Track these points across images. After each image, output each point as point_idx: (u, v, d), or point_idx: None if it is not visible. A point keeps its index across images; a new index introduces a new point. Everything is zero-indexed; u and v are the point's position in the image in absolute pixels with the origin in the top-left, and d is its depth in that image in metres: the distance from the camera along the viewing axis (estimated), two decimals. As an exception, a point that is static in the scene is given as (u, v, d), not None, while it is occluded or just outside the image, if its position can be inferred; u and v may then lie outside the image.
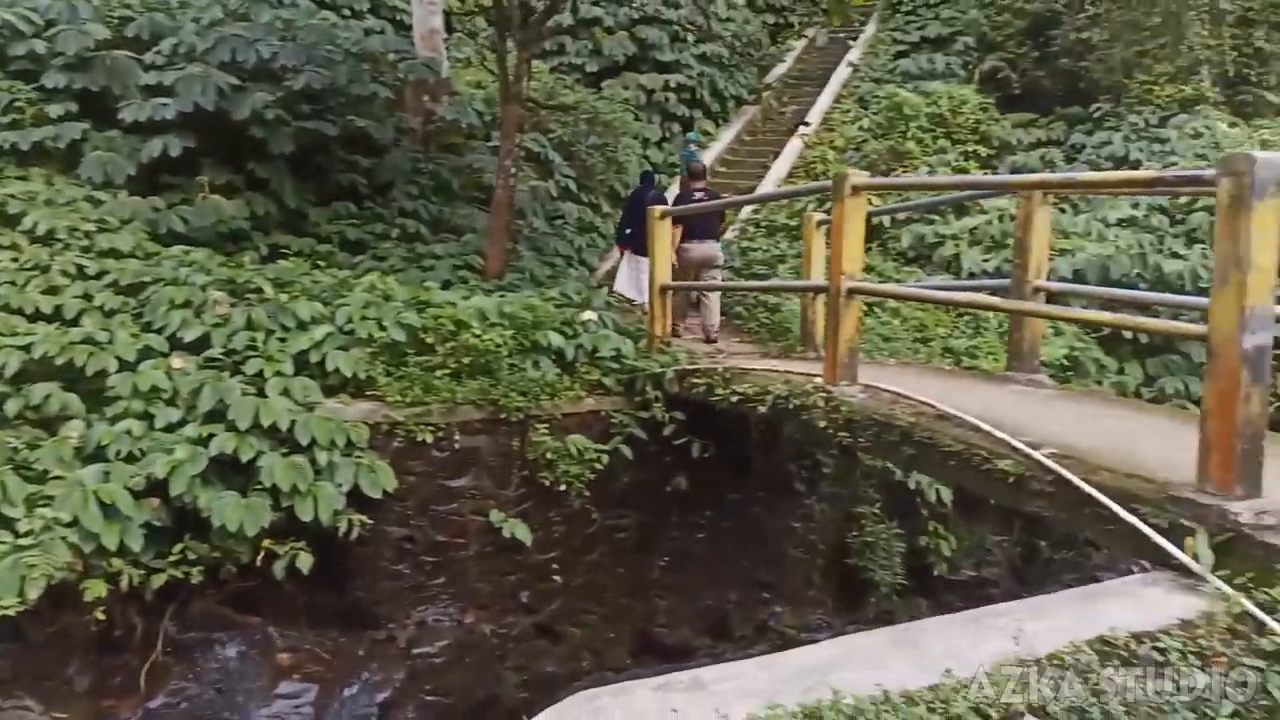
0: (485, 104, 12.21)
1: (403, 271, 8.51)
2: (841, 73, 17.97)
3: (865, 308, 8.57)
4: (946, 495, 7.53)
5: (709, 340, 8.49)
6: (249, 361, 5.96)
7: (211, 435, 5.35)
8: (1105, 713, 2.35)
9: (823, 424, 4.85)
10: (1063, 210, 10.90)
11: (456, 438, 6.19)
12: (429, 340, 6.41)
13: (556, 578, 6.61)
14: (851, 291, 4.88)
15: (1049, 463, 3.57)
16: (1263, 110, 15.08)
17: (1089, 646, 2.53)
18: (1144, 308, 6.37)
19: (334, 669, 5.54)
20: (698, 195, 8.73)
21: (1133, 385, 8.75)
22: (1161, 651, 2.60)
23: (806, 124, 16.13)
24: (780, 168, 15.10)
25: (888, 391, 4.78)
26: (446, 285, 8.07)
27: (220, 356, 6.03)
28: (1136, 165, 12.70)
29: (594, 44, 16.11)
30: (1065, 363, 8.10)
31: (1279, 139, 13.14)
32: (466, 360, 6.24)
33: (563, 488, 6.31)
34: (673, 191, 12.59)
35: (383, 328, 6.39)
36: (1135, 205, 10.82)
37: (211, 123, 8.86)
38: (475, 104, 11.97)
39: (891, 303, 8.60)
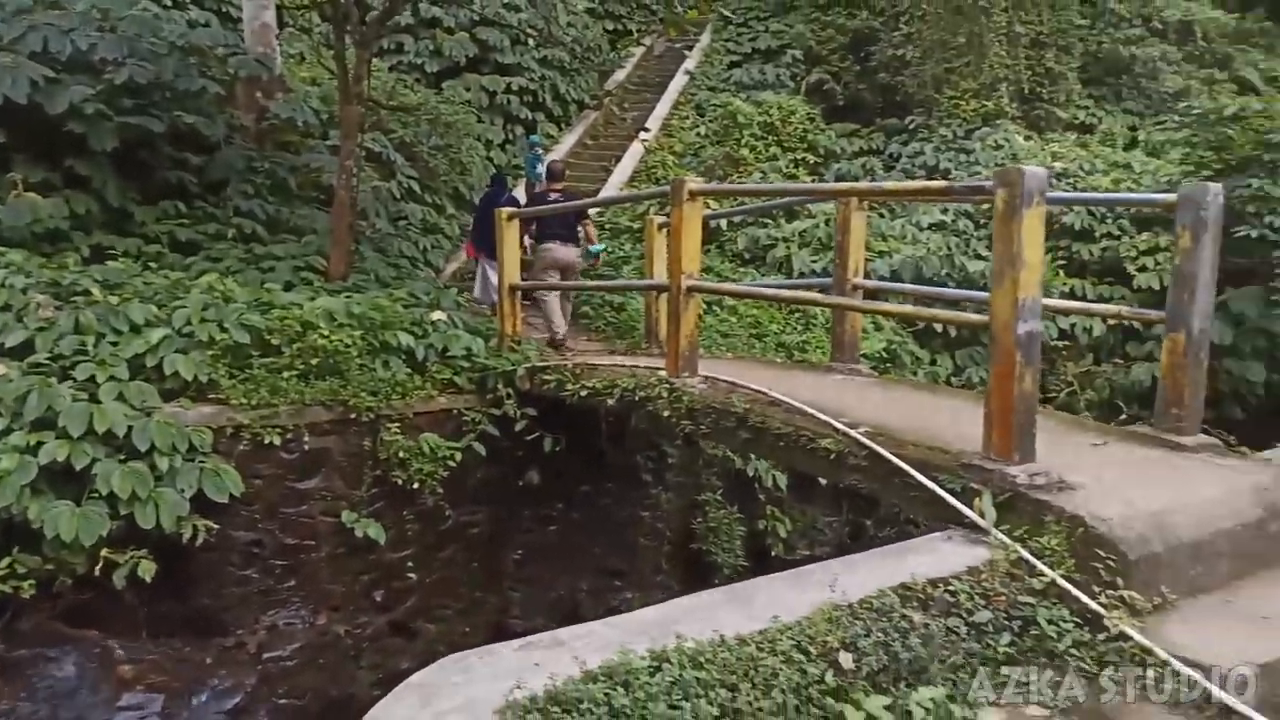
0: (322, 102, 11.98)
1: (240, 273, 8.28)
2: (679, 81, 18.59)
3: (705, 306, 9.05)
4: (782, 481, 8.09)
5: (554, 344, 8.27)
6: (79, 366, 5.72)
7: (40, 443, 5.13)
8: (906, 645, 2.76)
9: (666, 413, 5.19)
10: (881, 215, 11.80)
11: (306, 439, 6.15)
12: (274, 342, 6.34)
13: (411, 575, 6.68)
14: (690, 289, 5.25)
15: (863, 440, 4.02)
16: (1053, 124, 16.72)
17: (893, 592, 2.94)
18: (951, 303, 7.08)
19: (180, 678, 5.42)
20: (553, 197, 8.76)
21: (944, 375, 9.63)
22: (952, 594, 3.05)
23: (647, 129, 16.61)
24: (622, 171, 15.50)
25: (724, 382, 5.17)
26: (288, 287, 7.94)
27: (47, 361, 5.76)
28: (946, 174, 13.86)
29: (434, 44, 16.03)
30: (884, 355, 8.84)
31: (1067, 151, 14.67)
32: (314, 361, 6.22)
33: (416, 486, 6.39)
34: (518, 194, 12.74)
35: (224, 329, 6.26)
36: (944, 211, 11.85)
37: (23, 117, 8.34)
38: (311, 102, 11.71)
39: (729, 301, 9.11)
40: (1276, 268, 10.65)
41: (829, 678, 2.56)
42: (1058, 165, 13.28)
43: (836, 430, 4.17)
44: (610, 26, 20.51)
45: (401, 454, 6.36)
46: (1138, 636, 2.92)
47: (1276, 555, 3.53)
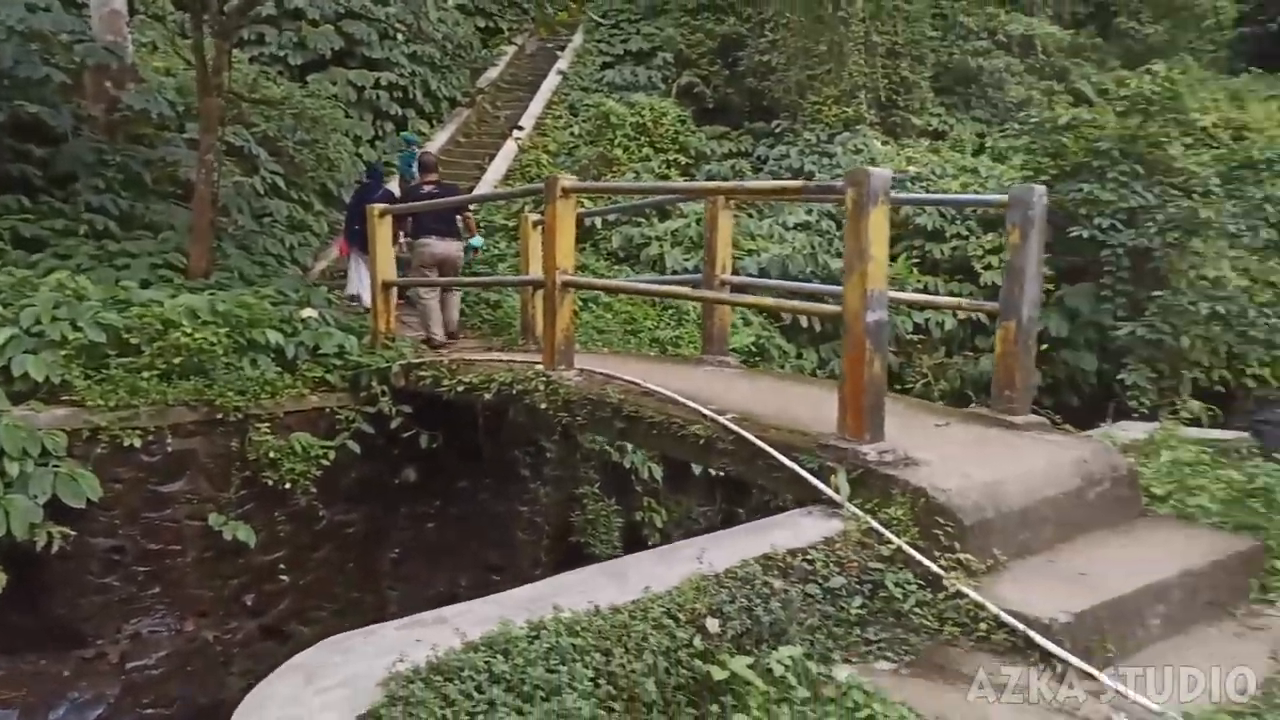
0: (178, 93, 11.50)
1: (92, 271, 7.92)
2: (552, 80, 18.68)
3: (582, 303, 9.21)
4: (658, 472, 8.32)
5: (431, 346, 8.00)
6: (-84, 369, 5.40)
7: (-124, 450, 4.83)
8: (767, 610, 2.98)
9: (544, 405, 5.31)
10: (750, 216, 12.23)
11: (169, 440, 5.97)
12: (133, 341, 6.11)
13: (283, 577, 6.56)
14: (566, 285, 5.38)
15: (730, 425, 4.25)
16: (909, 131, 17.66)
17: (756, 562, 3.17)
18: (816, 298, 7.46)
19: (36, 692, 5.18)
20: (427, 189, 8.56)
21: (809, 368, 10.09)
22: (810, 562, 3.30)
23: (520, 128, 16.63)
24: (497, 169, 15.48)
25: (600, 374, 5.33)
26: (146, 285, 7.64)
27: (-124, 364, 5.41)
28: (810, 176, 14.46)
29: (298, 36, 15.59)
30: (753, 349, 9.20)
31: (921, 156, 15.54)
32: (177, 360, 6.03)
33: (288, 486, 6.29)
34: (392, 188, 12.53)
35: (77, 328, 6.00)
36: (809, 211, 12.39)
37: None
38: (166, 93, 11.23)
39: (604, 297, 9.28)
40: (1105, 266, 11.62)
41: (696, 642, 2.75)
42: (912, 169, 14.08)
43: (705, 417, 4.39)
44: (482, 24, 20.41)
45: (272, 454, 6.25)
46: (972, 594, 3.23)
47: (1093, 520, 3.95)
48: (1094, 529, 3.91)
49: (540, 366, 5.58)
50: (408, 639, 2.46)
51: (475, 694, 2.19)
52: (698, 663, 2.71)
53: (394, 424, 6.72)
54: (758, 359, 9.27)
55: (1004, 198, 4.86)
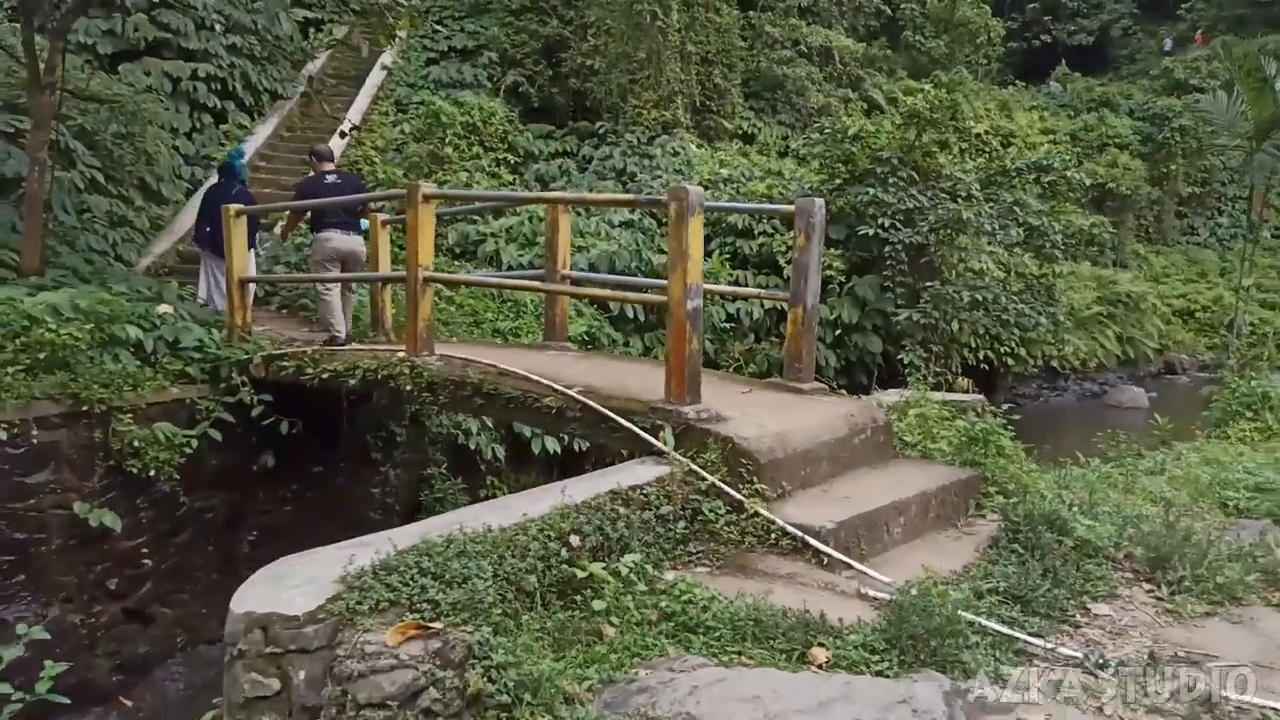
0: (-9, 89, 11.18)
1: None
2: (377, 75, 18.87)
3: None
4: (500, 452, 9.15)
5: (334, 341, 7.72)
6: None
7: None
8: (615, 529, 3.94)
9: (409, 387, 6.04)
10: (579, 215, 13.19)
11: (34, 433, 6.25)
12: (-6, 338, 6.34)
13: (146, 562, 6.94)
14: (427, 280, 6.14)
15: (578, 396, 5.19)
16: (721, 134, 19.19)
17: (605, 496, 4.12)
18: (644, 289, 8.52)
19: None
20: (331, 179, 8.41)
21: (636, 353, 11.18)
22: (645, 495, 4.29)
23: (350, 122, 16.82)
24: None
25: (459, 359, 6.13)
26: (-20, 283, 7.70)
27: None
28: (633, 176, 15.61)
29: (108, 24, 15.17)
30: (586, 338, 10.17)
31: (732, 159, 17.04)
32: (41, 356, 6.31)
33: (151, 474, 6.68)
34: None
35: (-70, 328, 6.18)
36: (632, 212, 13.49)
37: None
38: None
39: (445, 291, 9.96)
40: (888, 260, 13.39)
41: (564, 552, 3.67)
42: (724, 171, 15.50)
43: (556, 391, 5.30)
44: (302, 16, 20.29)
45: (136, 443, 6.62)
46: (766, 514, 4.32)
47: (858, 459, 5.16)
48: (858, 466, 5.12)
49: (403, 354, 6.31)
50: (346, 555, 3.24)
51: (411, 581, 3.02)
52: (565, 566, 3.64)
53: (255, 413, 7.20)
54: (590, 346, 10.25)
55: (792, 207, 6.03)
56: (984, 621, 3.63)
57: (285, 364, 7.08)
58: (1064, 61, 32.04)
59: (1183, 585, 4.33)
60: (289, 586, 2.98)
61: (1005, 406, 7.72)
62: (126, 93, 13.41)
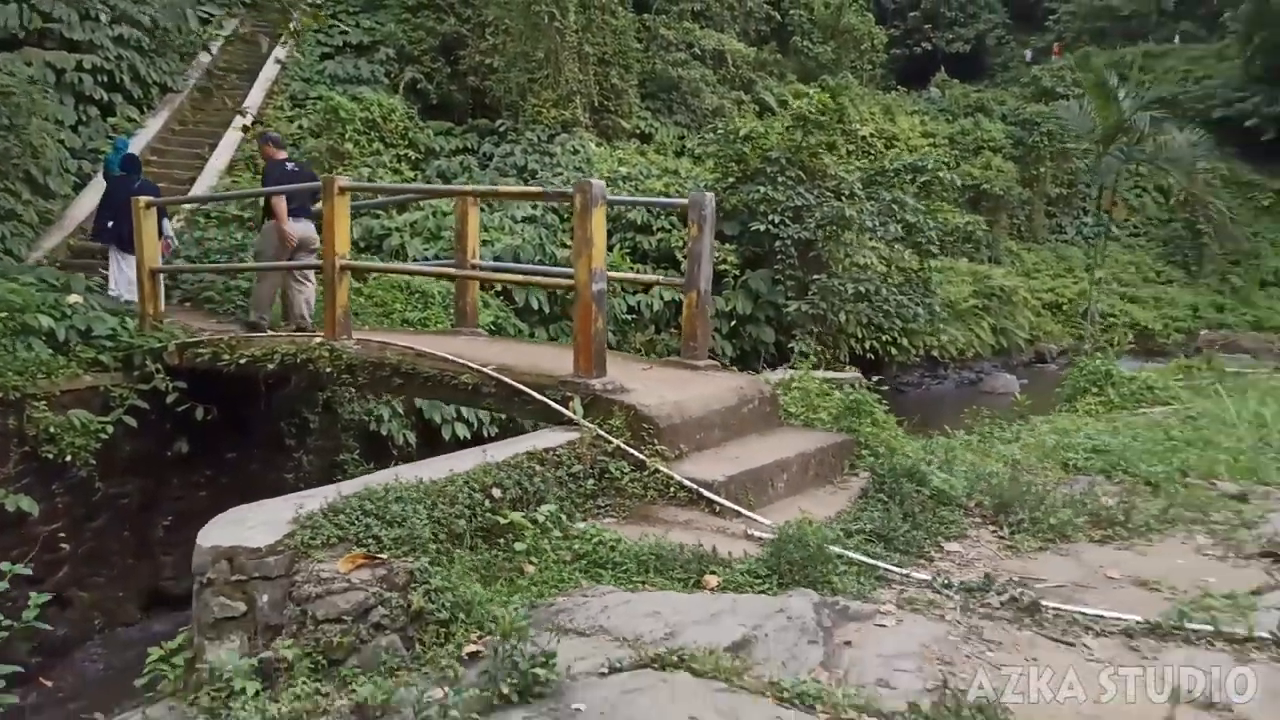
0: None
1: None
2: (271, 69, 18.77)
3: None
4: (412, 438, 9.50)
5: (301, 329, 7.91)
6: None
7: None
8: (532, 484, 4.45)
9: (329, 369, 6.40)
10: (484, 210, 13.56)
11: (-53, 421, 6.36)
12: (-97, 328, 6.41)
13: (63, 546, 7.07)
14: (344, 268, 6.50)
15: (493, 374, 5.67)
16: (619, 133, 19.78)
17: (523, 455, 4.62)
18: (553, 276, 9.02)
19: None
20: (290, 166, 8.54)
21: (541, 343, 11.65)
22: (558, 456, 4.81)
23: (251, 116, 16.73)
24: (219, 160, 15.56)
25: (376, 342, 6.52)
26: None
27: None
28: (534, 173, 16.05)
29: (-16, 11, 14.76)
30: (493, 328, 10.60)
31: (630, 157, 17.66)
32: (-48, 344, 6.42)
33: (67, 459, 6.84)
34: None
35: None
36: (535, 207, 13.95)
37: None
38: None
39: (354, 283, 10.23)
40: (779, 254, 14.22)
41: (487, 502, 4.17)
42: (623, 170, 16.10)
43: (472, 368, 5.77)
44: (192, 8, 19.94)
45: (51, 430, 6.77)
46: (666, 471, 4.90)
47: (747, 426, 5.80)
48: (747, 432, 5.76)
49: (321, 338, 6.65)
50: (294, 503, 3.66)
51: (356, 521, 3.47)
52: (489, 514, 4.13)
53: (170, 400, 7.41)
54: (496, 335, 10.67)
55: (685, 201, 6.64)
56: (850, 554, 4.29)
57: (201, 351, 7.31)
58: (943, 68, 33.85)
59: (1021, 526, 5.08)
60: (248, 527, 3.39)
61: (884, 388, 8.48)
62: (11, 83, 13.14)
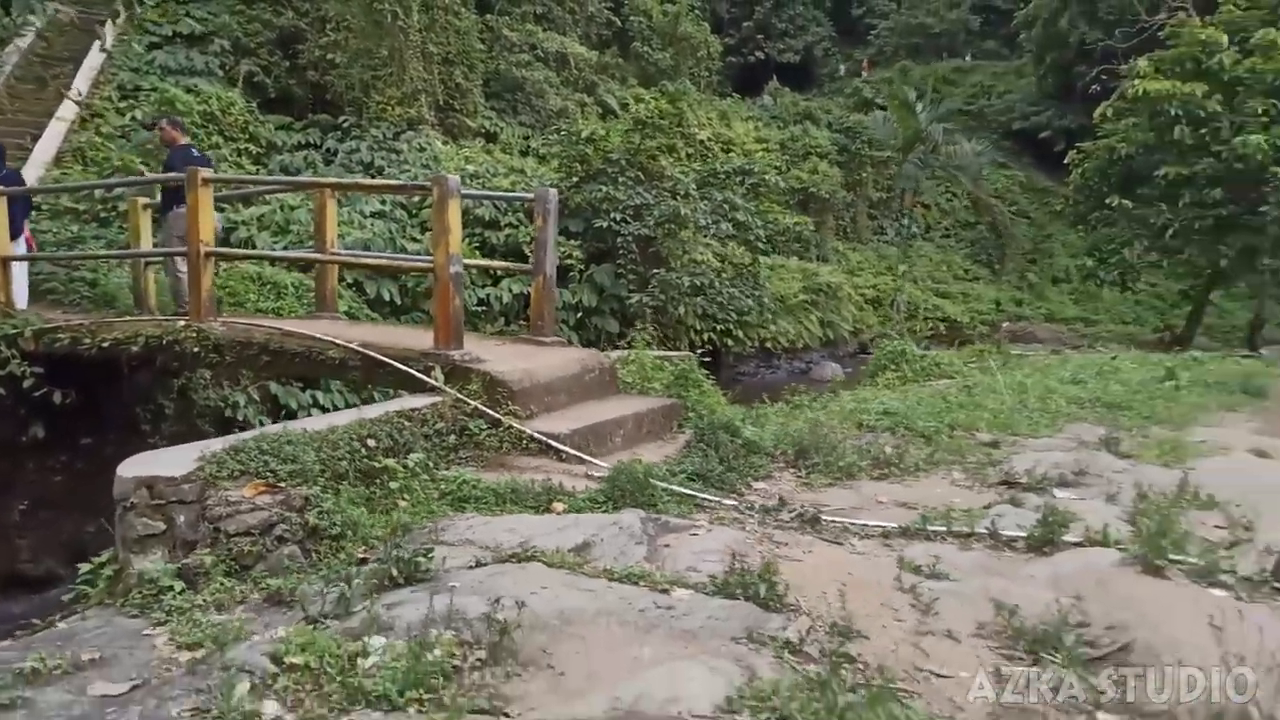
0: None
1: None
2: (96, 58, 18.28)
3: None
4: (268, 424, 9.88)
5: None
6: None
7: None
8: (401, 436, 5.19)
9: (196, 350, 6.86)
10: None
11: None
12: None
13: (-85, 532, 7.20)
14: (208, 254, 6.98)
15: (359, 348, 6.33)
16: (465, 132, 20.33)
17: (393, 413, 5.35)
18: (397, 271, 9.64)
19: None
20: (195, 153, 8.69)
21: (393, 335, 12.20)
22: (423, 415, 5.56)
23: (78, 106, 16.34)
24: (44, 150, 15.18)
25: (241, 324, 7.03)
26: None
27: None
28: (381, 170, 16.44)
29: None
30: (345, 316, 11.07)
31: (477, 156, 18.28)
32: None
33: (-80, 444, 7.00)
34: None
35: None
36: (383, 202, 14.42)
37: None
38: None
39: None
40: (621, 250, 15.23)
41: (364, 450, 4.89)
42: (470, 168, 16.72)
43: (339, 345, 6.41)
44: (6, -10, 19.12)
45: (-98, 415, 6.92)
46: (519, 427, 5.73)
47: (588, 393, 6.69)
48: (589, 397, 6.66)
49: (185, 321, 7.09)
50: (202, 445, 4.27)
51: (255, 458, 4.14)
52: (365, 460, 4.85)
53: (26, 385, 7.62)
54: (355, 321, 11.17)
55: (532, 195, 7.48)
56: (673, 487, 5.25)
57: (59, 336, 7.56)
58: (776, 77, 35.97)
59: (816, 468, 6.19)
60: (162, 463, 4.00)
61: (688, 354, 9.51)
62: None
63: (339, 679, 2.78)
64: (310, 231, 12.49)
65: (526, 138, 21.91)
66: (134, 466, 3.95)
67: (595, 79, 26.62)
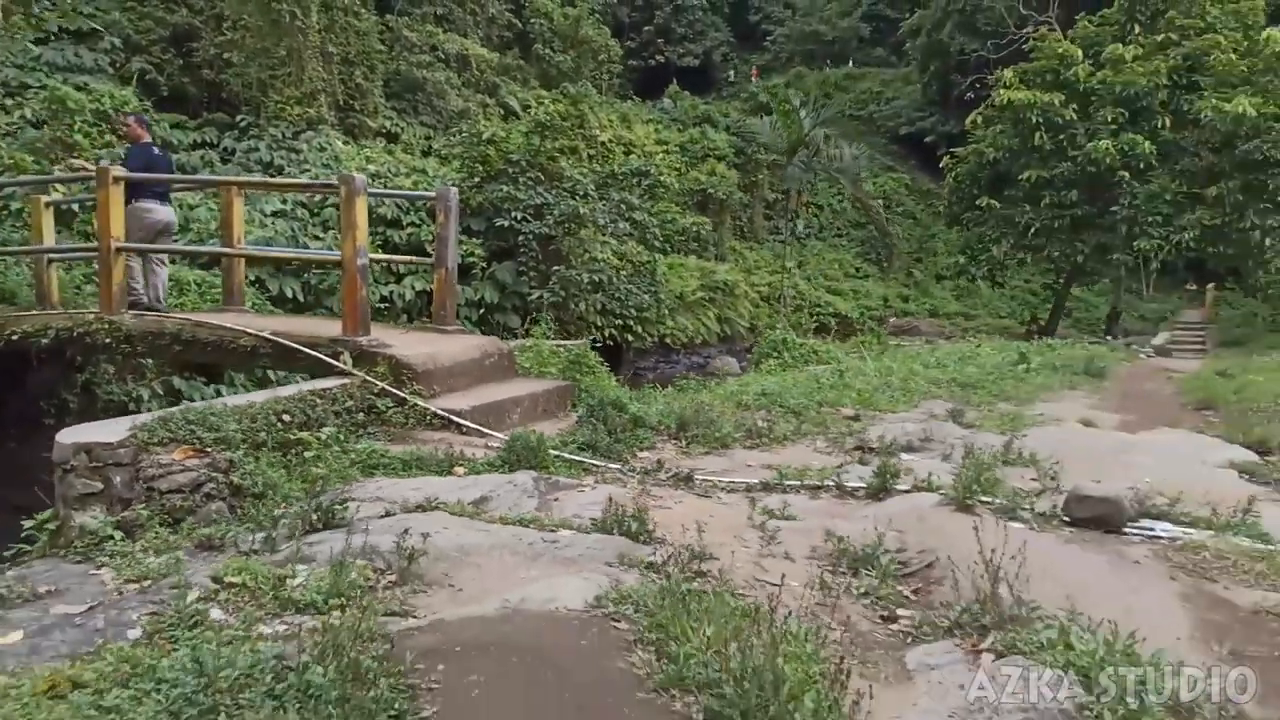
0: None
1: None
2: (-22, 53, 17.93)
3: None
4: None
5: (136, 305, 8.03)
6: None
7: None
8: (315, 412, 5.70)
9: (107, 340, 7.19)
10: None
11: None
12: None
13: None
14: (118, 249, 7.31)
15: (271, 336, 6.79)
16: (366, 132, 20.54)
17: (306, 392, 5.86)
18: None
19: None
20: (156, 151, 8.82)
21: (297, 331, 12.51)
22: (334, 395, 6.08)
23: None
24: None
25: (153, 314, 7.39)
26: None
27: None
28: (281, 169, 16.61)
29: None
30: (251, 310, 11.36)
31: (378, 156, 18.56)
32: None
33: None
34: None
35: None
36: (284, 201, 14.66)
37: None
38: None
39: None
40: (522, 248, 15.80)
41: (279, 424, 5.39)
42: (372, 168, 17.03)
43: (249, 333, 6.86)
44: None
45: None
46: (423, 405, 6.30)
47: (488, 375, 7.29)
48: (489, 380, 7.26)
49: (95, 314, 7.41)
50: (131, 419, 4.73)
51: (182, 427, 4.63)
52: (282, 433, 5.36)
53: (-70, 378, 7.80)
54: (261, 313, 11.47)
55: (433, 194, 8.03)
56: (564, 454, 5.91)
57: (-35, 330, 7.77)
58: (676, 80, 36.94)
59: (695, 439, 6.93)
60: (98, 431, 4.46)
61: (583, 341, 10.22)
62: None
63: (271, 593, 3.34)
64: (211, 230, 12.75)
65: (428, 138, 22.20)
66: (72, 434, 4.40)
67: (497, 80, 27.03)
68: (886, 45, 42.30)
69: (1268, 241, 16.99)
